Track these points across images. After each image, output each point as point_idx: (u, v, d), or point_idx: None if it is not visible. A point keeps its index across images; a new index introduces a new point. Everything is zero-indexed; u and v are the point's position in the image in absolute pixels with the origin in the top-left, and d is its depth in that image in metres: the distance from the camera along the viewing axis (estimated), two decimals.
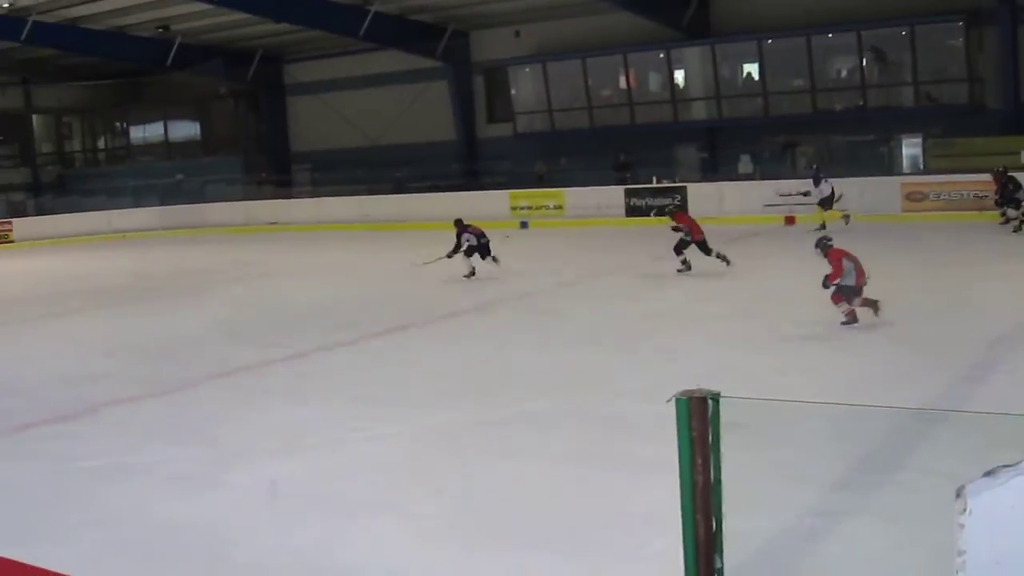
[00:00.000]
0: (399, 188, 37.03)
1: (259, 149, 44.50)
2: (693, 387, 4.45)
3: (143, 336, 17.28)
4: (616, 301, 17.88)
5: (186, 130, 47.71)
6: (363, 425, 10.59)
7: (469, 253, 20.74)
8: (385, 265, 24.94)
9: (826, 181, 26.59)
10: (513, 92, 36.80)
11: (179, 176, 43.27)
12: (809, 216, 26.71)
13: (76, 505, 8.85)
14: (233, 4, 31.92)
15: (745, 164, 32.79)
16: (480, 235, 20.61)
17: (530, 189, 33.51)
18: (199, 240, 35.42)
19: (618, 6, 30.62)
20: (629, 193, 31.36)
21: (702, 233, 19.66)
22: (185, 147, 46.88)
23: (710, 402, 4.33)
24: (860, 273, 13.81)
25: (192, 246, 33.58)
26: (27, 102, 47.36)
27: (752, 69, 33.41)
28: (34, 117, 48.36)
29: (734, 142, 33.35)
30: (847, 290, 13.70)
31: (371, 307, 18.64)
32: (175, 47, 39.15)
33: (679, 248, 19.77)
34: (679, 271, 19.82)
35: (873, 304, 13.81)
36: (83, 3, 34.06)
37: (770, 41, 32.17)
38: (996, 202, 25.26)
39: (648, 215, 26.69)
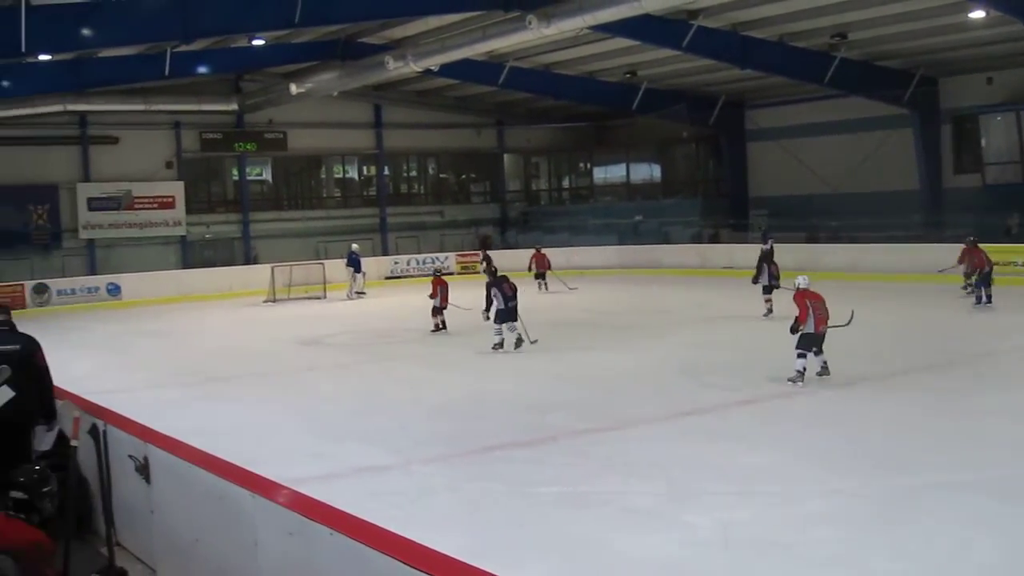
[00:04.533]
0: (809, 237, 36.11)
1: (717, 193, 44.81)
2: None
3: (601, 370, 17.77)
4: None
5: (647, 172, 48.66)
6: (819, 477, 10.39)
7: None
8: (837, 314, 24.33)
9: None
10: (983, 141, 34.98)
11: (638, 217, 44.17)
12: None
13: (534, 528, 9.23)
14: (701, 52, 32.29)
15: None
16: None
17: (998, 244, 31.63)
18: (655, 280, 35.99)
19: None
20: None
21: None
22: (645, 188, 47.85)
23: None
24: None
25: (648, 286, 34.18)
26: (500, 142, 50.13)
27: None
28: (505, 156, 51.10)
29: None
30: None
31: (828, 357, 18.17)
32: (641, 92, 40.12)
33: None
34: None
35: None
36: (557, 50, 35.47)
37: None
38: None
39: None
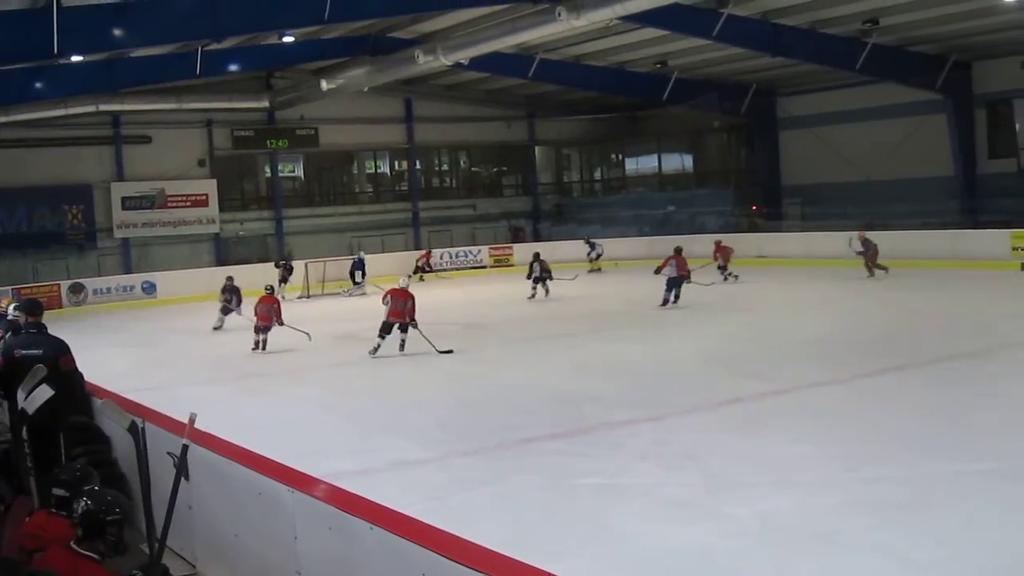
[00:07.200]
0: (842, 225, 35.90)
1: (750, 182, 44.58)
2: None
3: (635, 362, 17.78)
4: None
5: (679, 162, 48.55)
6: (856, 465, 10.34)
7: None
8: (871, 302, 24.26)
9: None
10: (1018, 126, 34.64)
11: (670, 207, 44.07)
12: None
13: (573, 519, 9.23)
14: (732, 40, 32.12)
15: None
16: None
17: None
18: None
19: None
20: None
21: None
22: (677, 179, 47.66)
23: None
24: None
25: None
26: (530, 134, 50.06)
27: None
28: (536, 149, 51.02)
29: None
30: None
31: (862, 345, 18.10)
32: (671, 82, 39.96)
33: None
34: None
35: None
36: (586, 41, 35.30)
37: None
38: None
39: None
